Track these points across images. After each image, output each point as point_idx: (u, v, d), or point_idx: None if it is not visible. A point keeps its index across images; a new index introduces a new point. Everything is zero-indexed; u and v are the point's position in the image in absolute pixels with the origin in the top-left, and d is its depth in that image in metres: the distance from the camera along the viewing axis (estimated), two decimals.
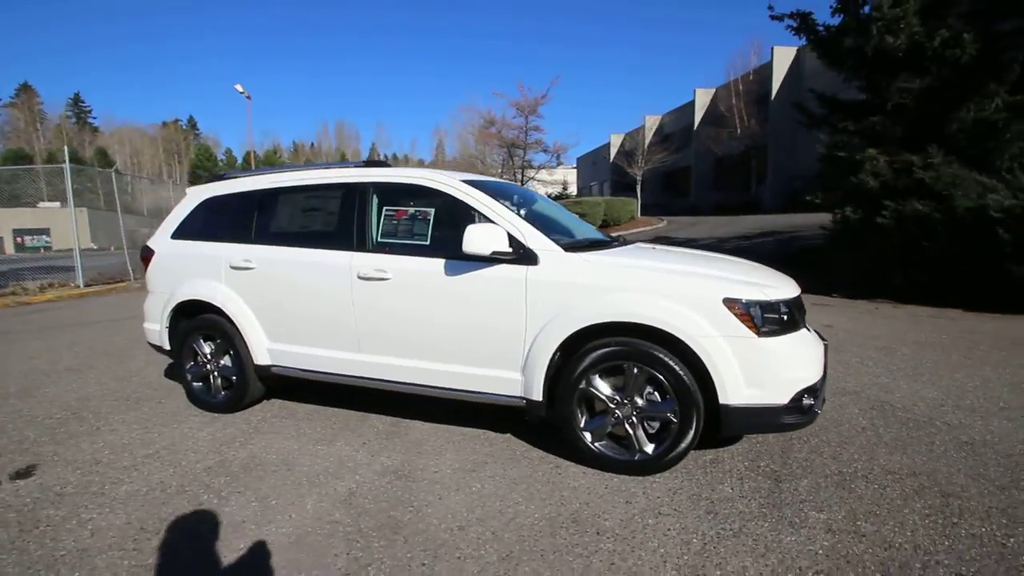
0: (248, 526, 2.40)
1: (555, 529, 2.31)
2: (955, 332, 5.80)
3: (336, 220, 3.44)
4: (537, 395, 2.87)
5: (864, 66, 9.81)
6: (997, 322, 6.29)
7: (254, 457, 3.11)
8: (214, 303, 3.68)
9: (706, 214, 27.14)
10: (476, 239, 2.81)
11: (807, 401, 2.62)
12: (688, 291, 2.63)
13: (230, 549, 2.24)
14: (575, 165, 48.16)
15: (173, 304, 3.86)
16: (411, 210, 3.24)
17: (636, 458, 2.74)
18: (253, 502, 2.60)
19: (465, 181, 3.23)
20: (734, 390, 2.54)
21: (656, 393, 2.71)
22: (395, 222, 3.26)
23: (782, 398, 2.56)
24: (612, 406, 2.77)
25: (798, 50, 26.16)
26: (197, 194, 4.05)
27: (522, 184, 30.71)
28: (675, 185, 34.44)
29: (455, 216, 3.14)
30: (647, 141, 34.28)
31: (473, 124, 30.02)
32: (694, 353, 2.56)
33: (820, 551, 2.12)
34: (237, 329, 3.63)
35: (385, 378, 3.28)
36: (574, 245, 3.03)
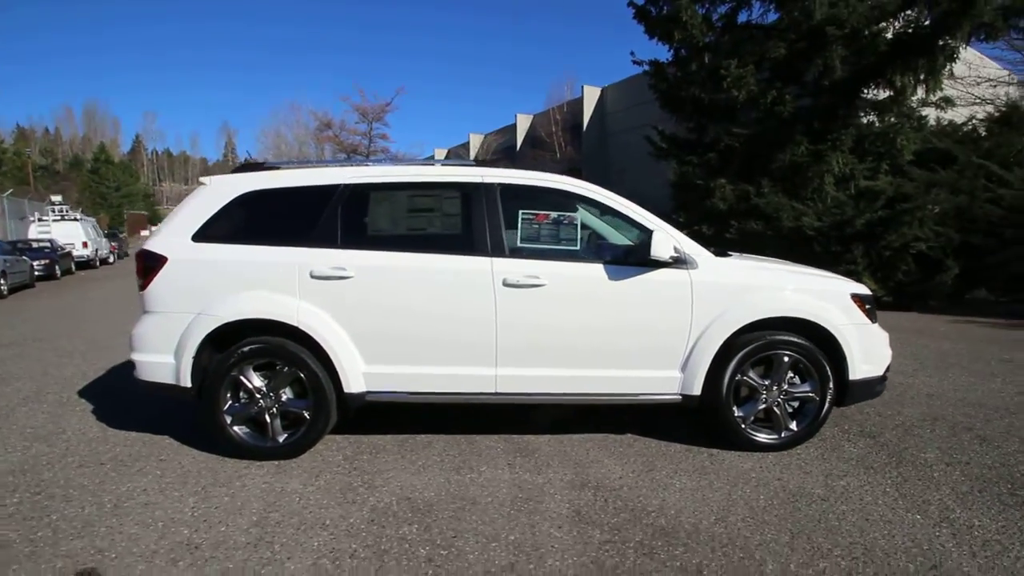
0: (524, 566, 2.10)
1: (794, 504, 2.57)
2: None
3: (460, 222, 3.11)
4: (697, 390, 3.08)
5: (697, 112, 12.13)
6: None
7: (410, 499, 2.63)
8: (287, 322, 2.96)
9: None
10: (662, 245, 2.91)
11: (888, 373, 3.37)
12: (828, 289, 3.17)
13: None
14: None
15: (211, 327, 2.96)
16: (554, 214, 3.14)
17: (783, 435, 3.15)
18: (492, 543, 2.26)
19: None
20: (859, 367, 3.14)
21: (796, 377, 3.17)
22: (536, 226, 3.11)
23: (880, 371, 3.25)
24: (762, 392, 3.14)
25: (602, 90, 30.38)
26: (228, 186, 3.17)
27: None
28: None
29: (599, 222, 3.17)
30: (472, 157, 35.78)
31: (300, 123, 27.41)
32: (834, 339, 3.09)
33: (961, 478, 2.80)
34: (323, 352, 2.98)
35: (527, 391, 3.09)
36: (715, 252, 3.31)
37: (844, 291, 3.18)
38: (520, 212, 3.12)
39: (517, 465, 3.01)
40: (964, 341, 6.18)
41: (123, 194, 41.60)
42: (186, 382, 3.02)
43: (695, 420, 3.48)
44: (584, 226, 3.28)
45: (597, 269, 3.05)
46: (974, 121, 10.99)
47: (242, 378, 3.02)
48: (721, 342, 3.04)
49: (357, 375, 3.03)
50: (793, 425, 3.16)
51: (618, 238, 3.42)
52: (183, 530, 2.38)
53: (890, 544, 2.24)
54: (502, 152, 32.30)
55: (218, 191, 3.16)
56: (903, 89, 9.52)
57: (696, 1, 10.74)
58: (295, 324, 2.96)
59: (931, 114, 11.04)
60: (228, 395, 3.03)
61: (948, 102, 10.97)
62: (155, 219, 57.78)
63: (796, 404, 3.19)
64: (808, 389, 3.14)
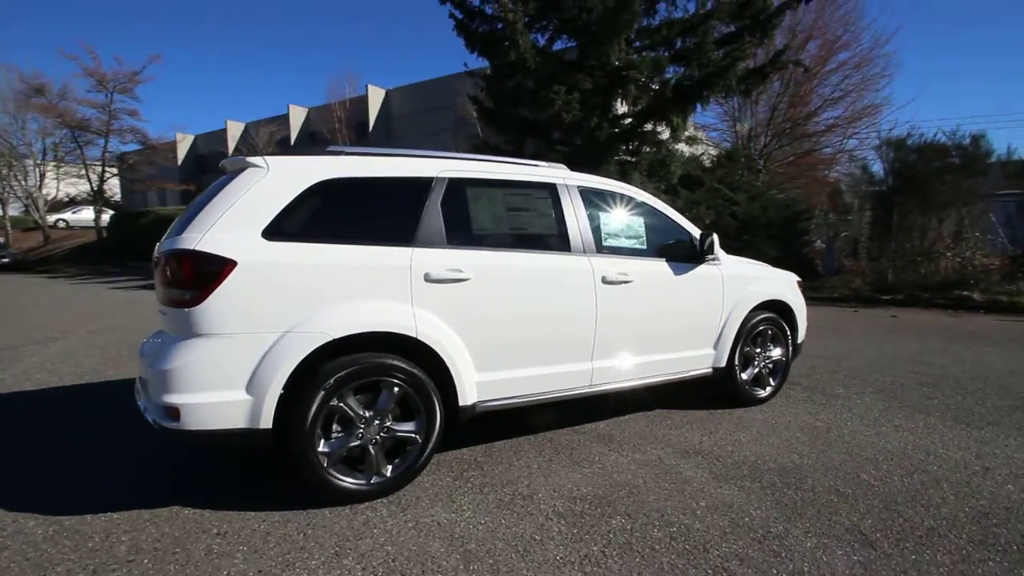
0: (742, 519, 2.41)
1: (819, 435, 3.44)
2: None
3: (554, 222, 3.14)
4: (723, 363, 3.78)
5: (520, 129, 13.40)
6: None
7: (578, 497, 2.63)
8: (407, 333, 2.56)
9: None
10: (717, 245, 3.51)
11: None
12: (789, 278, 4.23)
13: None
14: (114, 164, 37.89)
15: (311, 347, 2.36)
16: (627, 218, 3.42)
17: (767, 390, 4.09)
18: (696, 511, 2.49)
19: None
20: (800, 335, 4.30)
21: (771, 344, 4.14)
22: (612, 227, 3.36)
23: (803, 336, 4.50)
24: (755, 359, 4.02)
25: (387, 92, 30.18)
26: (297, 171, 2.53)
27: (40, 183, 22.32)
28: None
29: (654, 223, 3.59)
30: (232, 146, 31.46)
31: None
32: (793, 315, 4.17)
33: (871, 402, 4.13)
34: (443, 364, 2.67)
35: (615, 381, 3.31)
36: None
37: (794, 278, 4.31)
38: (600, 213, 3.34)
39: (617, 450, 3.22)
40: None
41: None
42: (267, 423, 2.34)
43: (685, 392, 4.21)
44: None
45: (663, 265, 3.48)
46: (709, 155, 14.87)
47: (342, 406, 2.49)
48: (740, 322, 3.80)
49: (472, 385, 2.81)
50: (772, 381, 4.14)
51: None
52: None
53: (893, 446, 3.27)
54: (278, 145, 29.08)
55: (285, 177, 2.51)
56: (677, 127, 12.33)
57: (527, 27, 11.84)
58: (414, 335, 2.59)
59: (681, 148, 14.52)
60: (322, 432, 2.46)
61: (693, 140, 14.59)
62: None
63: (771, 366, 4.17)
64: (780, 353, 4.15)
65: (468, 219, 2.93)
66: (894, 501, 2.60)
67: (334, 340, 2.41)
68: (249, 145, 28.52)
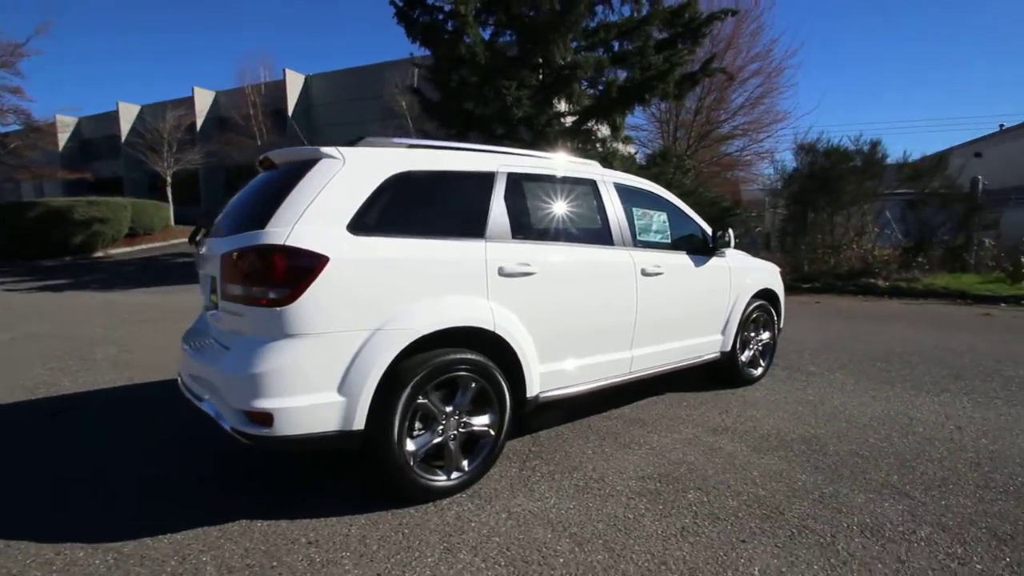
0: (793, 485, 2.69)
1: (819, 407, 3.86)
2: None
3: (598, 217, 3.25)
4: (729, 347, 4.11)
5: (464, 124, 13.36)
6: None
7: (645, 477, 2.78)
8: (486, 327, 2.56)
9: None
10: (732, 239, 3.79)
11: None
12: (773, 269, 4.65)
13: None
14: None
15: (403, 344, 2.31)
16: (653, 213, 3.61)
17: (759, 371, 4.50)
18: (756, 480, 2.73)
19: None
20: (782, 319, 4.76)
21: (762, 328, 4.54)
22: (643, 222, 3.53)
23: (783, 321, 4.98)
24: (750, 343, 4.40)
25: (307, 78, 28.67)
26: (373, 163, 2.44)
27: None
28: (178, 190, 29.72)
29: (674, 217, 3.82)
30: (125, 130, 28.46)
31: None
32: (778, 301, 4.60)
33: (844, 377, 4.67)
34: (514, 356, 2.70)
35: (647, 367, 3.50)
36: None
37: (776, 269, 4.76)
38: (632, 208, 3.50)
39: (654, 432, 3.41)
40: None
41: None
42: (360, 424, 2.27)
43: (683, 376, 4.52)
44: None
45: (684, 257, 3.72)
46: (644, 154, 15.66)
47: (427, 403, 2.45)
48: (742, 309, 4.15)
49: (537, 376, 2.86)
50: (762, 361, 4.56)
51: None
52: None
53: (879, 412, 3.75)
54: (186, 131, 26.51)
55: (363, 169, 2.42)
56: (619, 126, 12.90)
57: (475, 20, 11.80)
58: (492, 329, 2.60)
59: (619, 147, 15.20)
60: (406, 429, 2.41)
61: (628, 140, 15.31)
62: None
63: (762, 348, 4.58)
64: (768, 336, 4.58)
65: (527, 213, 2.97)
66: (905, 458, 3.01)
67: (422, 337, 2.37)
68: (149, 130, 25.81)
